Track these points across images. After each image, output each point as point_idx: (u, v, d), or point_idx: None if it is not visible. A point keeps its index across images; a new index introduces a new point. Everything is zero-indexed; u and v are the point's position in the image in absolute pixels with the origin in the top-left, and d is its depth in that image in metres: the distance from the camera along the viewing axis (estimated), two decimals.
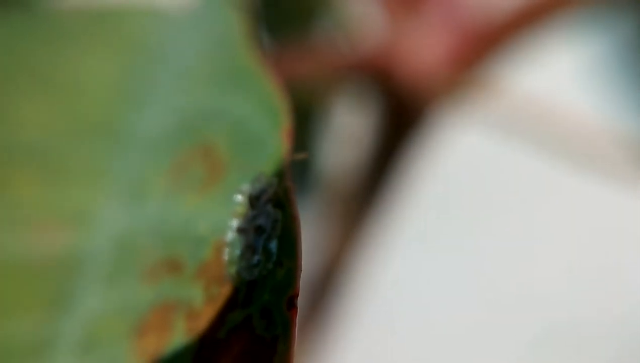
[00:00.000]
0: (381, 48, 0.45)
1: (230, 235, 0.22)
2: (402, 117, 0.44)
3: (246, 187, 0.22)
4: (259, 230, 0.21)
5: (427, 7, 0.46)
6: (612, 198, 0.75)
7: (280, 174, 0.22)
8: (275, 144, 0.23)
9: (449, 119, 0.47)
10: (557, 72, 0.84)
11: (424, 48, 0.45)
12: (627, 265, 0.95)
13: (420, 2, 0.46)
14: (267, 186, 0.22)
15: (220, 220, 0.23)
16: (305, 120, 0.47)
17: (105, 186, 0.29)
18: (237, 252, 0.22)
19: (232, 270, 0.22)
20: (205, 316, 0.22)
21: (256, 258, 0.21)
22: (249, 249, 0.21)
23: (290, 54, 0.43)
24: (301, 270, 0.21)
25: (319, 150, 0.48)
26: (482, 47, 0.46)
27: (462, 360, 0.91)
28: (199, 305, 0.23)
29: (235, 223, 0.22)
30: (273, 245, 0.21)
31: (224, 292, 0.22)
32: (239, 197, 0.22)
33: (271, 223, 0.21)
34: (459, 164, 0.92)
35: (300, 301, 0.20)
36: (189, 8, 0.33)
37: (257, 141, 0.24)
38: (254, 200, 0.22)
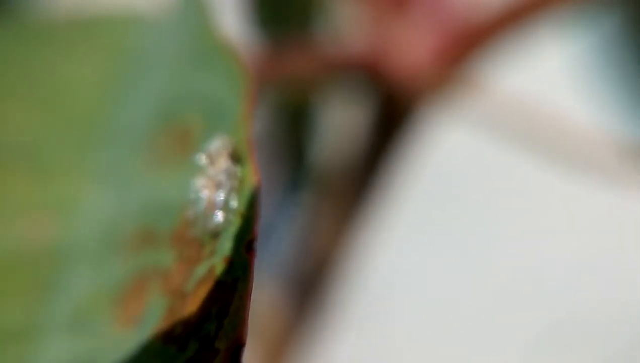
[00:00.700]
0: (370, 47, 0.46)
1: (193, 195, 0.23)
2: (392, 114, 0.45)
3: (207, 147, 0.23)
4: (219, 186, 0.22)
5: (414, 6, 0.47)
6: (602, 197, 0.75)
7: (241, 132, 0.23)
8: (238, 109, 0.24)
9: (437, 116, 0.47)
10: (545, 70, 0.84)
11: (412, 46, 0.46)
12: (619, 261, 0.94)
13: (408, 2, 0.47)
14: (226, 144, 0.23)
15: (188, 186, 0.24)
16: (298, 117, 0.48)
17: (89, 177, 0.30)
18: (200, 209, 0.22)
19: (197, 228, 0.23)
20: (178, 276, 0.23)
21: (218, 213, 0.22)
22: (210, 206, 0.22)
23: (284, 52, 0.44)
24: (259, 218, 0.21)
25: (313, 146, 0.49)
26: (469, 45, 0.47)
27: (463, 357, 0.91)
28: (171, 268, 0.24)
29: (197, 182, 0.23)
30: (233, 199, 0.22)
31: (192, 251, 0.23)
32: (202, 158, 0.23)
33: (231, 178, 0.22)
34: (448, 160, 0.92)
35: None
36: (167, 9, 0.35)
37: (224, 109, 0.25)
38: (213, 158, 0.22)
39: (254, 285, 0.21)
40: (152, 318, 0.23)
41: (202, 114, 0.27)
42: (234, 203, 0.22)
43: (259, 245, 0.21)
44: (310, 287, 0.46)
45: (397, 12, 0.47)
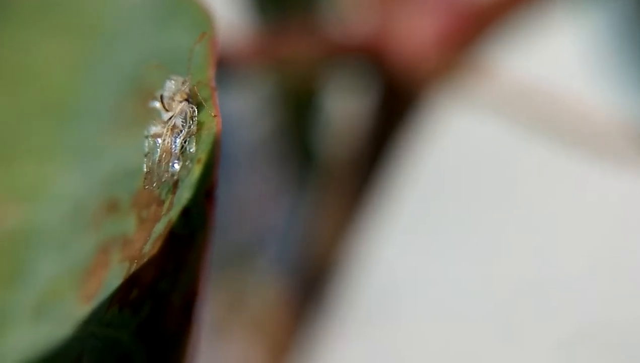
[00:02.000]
0: (374, 31, 0.44)
1: (147, 143, 0.20)
2: (396, 100, 0.43)
3: (160, 91, 0.20)
4: (174, 129, 0.20)
5: None
6: (615, 182, 0.72)
7: (202, 74, 0.21)
8: (202, 52, 0.22)
9: (443, 101, 0.45)
10: (555, 54, 0.82)
11: (416, 30, 0.44)
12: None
13: None
14: (181, 85, 0.20)
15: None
16: (301, 104, 0.46)
17: (56, 158, 0.28)
18: (155, 158, 0.20)
19: (154, 182, 0.20)
20: (138, 240, 0.21)
21: (175, 161, 0.20)
22: (166, 153, 0.20)
23: (286, 37, 0.42)
24: (218, 163, 0.19)
25: (316, 133, 0.47)
26: (476, 29, 0.44)
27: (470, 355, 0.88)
28: (131, 233, 0.21)
29: (150, 130, 0.20)
30: (191, 144, 0.20)
31: (152, 211, 0.21)
32: (155, 103, 0.21)
33: (187, 121, 0.20)
34: (455, 147, 0.90)
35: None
36: None
37: (188, 58, 0.23)
38: (168, 101, 0.20)
39: (214, 236, 0.18)
40: (109, 289, 0.21)
41: (163, 68, 0.24)
42: (192, 148, 0.20)
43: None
44: (315, 281, 0.44)
45: None
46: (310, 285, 0.44)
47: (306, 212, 0.45)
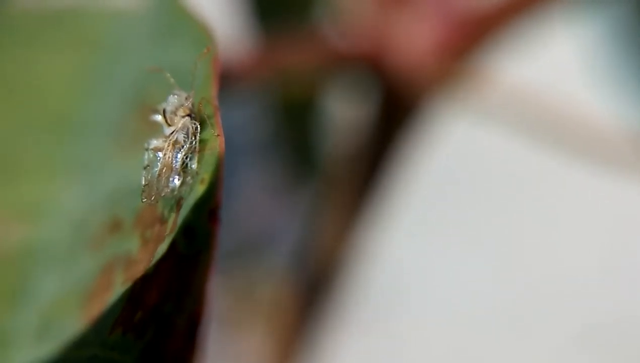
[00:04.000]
0: (374, 38, 0.43)
1: (146, 156, 0.20)
2: (395, 107, 0.43)
3: (162, 105, 0.20)
4: (176, 144, 0.19)
5: None
6: (615, 187, 0.72)
7: (205, 92, 0.21)
8: (204, 69, 0.22)
9: (443, 108, 0.45)
10: (555, 60, 0.81)
11: (415, 38, 0.44)
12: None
13: None
14: (184, 100, 0.20)
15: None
16: (302, 110, 0.46)
17: (59, 174, 0.28)
18: (155, 172, 0.20)
19: (153, 196, 0.20)
20: (142, 260, 0.21)
21: (175, 176, 0.19)
22: (166, 168, 0.19)
23: (285, 44, 0.42)
24: (222, 182, 0.19)
25: (316, 140, 0.46)
26: (474, 36, 0.44)
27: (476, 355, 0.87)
28: (135, 253, 0.21)
29: (151, 143, 0.20)
30: (192, 161, 0.19)
31: (155, 231, 0.20)
32: (157, 117, 0.20)
33: (189, 136, 0.20)
34: (455, 154, 0.89)
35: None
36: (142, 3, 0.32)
37: (190, 73, 0.23)
38: (170, 115, 0.20)
39: (216, 256, 0.18)
40: (113, 310, 0.21)
41: (165, 85, 0.24)
42: (194, 164, 0.19)
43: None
44: (319, 282, 0.44)
45: (400, 2, 0.45)
46: (315, 285, 0.44)
47: (309, 216, 0.45)
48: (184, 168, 0.19)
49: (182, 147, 0.19)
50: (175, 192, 0.19)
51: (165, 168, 0.19)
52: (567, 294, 0.90)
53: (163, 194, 0.19)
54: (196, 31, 0.24)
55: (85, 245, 0.24)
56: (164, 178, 0.19)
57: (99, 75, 0.30)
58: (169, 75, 0.24)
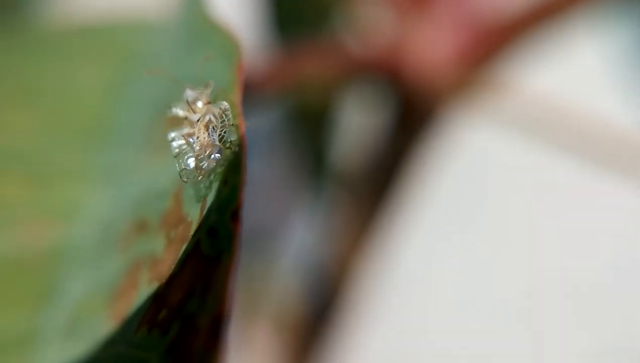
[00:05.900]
0: (391, 47, 0.44)
1: (177, 144, 0.21)
2: (412, 114, 0.43)
3: (183, 97, 0.21)
4: (209, 124, 0.20)
5: (436, 5, 0.45)
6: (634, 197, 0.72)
7: (229, 97, 0.21)
8: (229, 78, 0.22)
9: (459, 117, 0.45)
10: (577, 69, 0.81)
11: (433, 46, 0.44)
12: None
13: (430, 1, 0.45)
14: (202, 92, 0.21)
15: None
16: (319, 118, 0.46)
17: (88, 178, 0.29)
18: (188, 157, 0.20)
19: (192, 179, 0.21)
20: (167, 259, 0.21)
21: (217, 152, 0.20)
22: (204, 146, 0.20)
23: (303, 53, 0.43)
24: (245, 184, 0.19)
25: (333, 149, 0.47)
26: (495, 44, 0.44)
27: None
28: (160, 253, 0.22)
29: (182, 131, 0.21)
30: (230, 134, 0.20)
31: (180, 231, 0.21)
32: (179, 111, 0.21)
33: (219, 114, 0.20)
34: (474, 163, 0.89)
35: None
36: (169, 10, 0.33)
37: (216, 82, 0.23)
38: (193, 105, 0.21)
39: (240, 256, 0.19)
40: (140, 309, 0.21)
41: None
42: (232, 136, 0.20)
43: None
44: (333, 289, 0.44)
45: (418, 10, 0.45)
46: (330, 293, 0.44)
47: (324, 225, 0.45)
48: (223, 143, 0.20)
49: (216, 126, 0.20)
50: (218, 166, 0.20)
51: (203, 147, 0.20)
52: (580, 296, 0.90)
53: (193, 187, 0.20)
54: (223, 41, 0.25)
55: (113, 246, 0.25)
56: (205, 156, 0.20)
57: (130, 85, 0.31)
58: (195, 84, 0.25)
